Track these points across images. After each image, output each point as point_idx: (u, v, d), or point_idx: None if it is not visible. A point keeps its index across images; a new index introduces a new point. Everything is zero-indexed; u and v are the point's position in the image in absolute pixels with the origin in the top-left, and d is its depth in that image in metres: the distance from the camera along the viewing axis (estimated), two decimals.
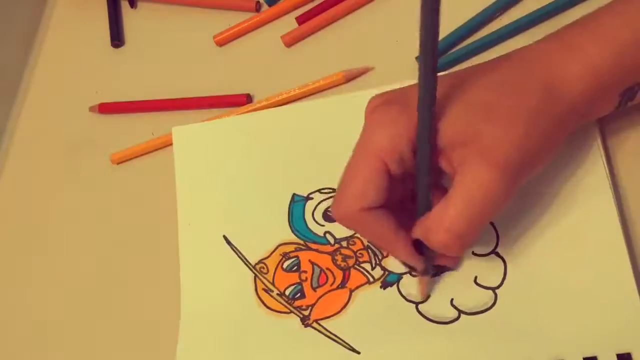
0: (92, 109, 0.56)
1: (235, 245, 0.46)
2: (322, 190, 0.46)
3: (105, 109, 0.55)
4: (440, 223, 0.36)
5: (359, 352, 0.41)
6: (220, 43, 0.55)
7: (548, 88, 0.37)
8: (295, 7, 0.54)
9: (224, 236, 0.47)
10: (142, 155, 0.53)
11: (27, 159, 0.56)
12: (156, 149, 0.53)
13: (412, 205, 0.38)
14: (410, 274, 0.43)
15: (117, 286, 0.49)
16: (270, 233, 0.46)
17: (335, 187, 0.44)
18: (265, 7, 0.56)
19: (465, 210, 0.35)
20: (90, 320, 0.49)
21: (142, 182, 0.52)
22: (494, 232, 0.42)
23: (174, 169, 0.50)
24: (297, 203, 0.46)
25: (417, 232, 0.38)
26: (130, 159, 0.53)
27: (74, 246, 0.52)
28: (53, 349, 0.49)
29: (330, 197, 0.46)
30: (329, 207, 0.46)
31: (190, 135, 0.51)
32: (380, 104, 0.37)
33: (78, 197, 0.53)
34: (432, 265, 0.41)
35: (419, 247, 0.39)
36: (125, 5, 0.59)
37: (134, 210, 0.51)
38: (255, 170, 0.48)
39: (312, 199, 0.46)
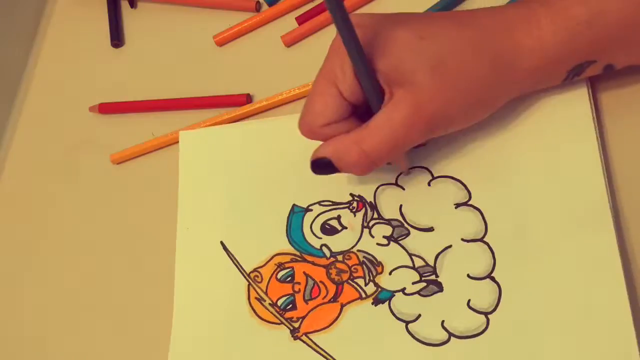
0: (92, 109, 0.56)
1: (232, 252, 0.46)
2: (322, 203, 0.46)
3: (105, 109, 0.55)
4: (357, 143, 0.39)
5: None
6: (220, 43, 0.55)
7: (499, 58, 0.38)
8: (295, 7, 0.54)
9: (221, 242, 0.47)
10: (142, 155, 0.53)
11: (27, 159, 0.56)
12: (156, 149, 0.53)
13: None
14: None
15: (116, 286, 0.49)
16: (267, 242, 0.46)
17: (336, 199, 0.45)
18: (265, 7, 0.55)
19: (384, 138, 0.39)
20: (88, 320, 0.49)
21: (142, 182, 0.52)
22: (492, 258, 0.41)
23: (178, 171, 0.50)
24: (296, 214, 0.46)
25: (328, 148, 0.41)
26: (130, 158, 0.53)
27: (73, 246, 0.52)
28: (52, 348, 0.49)
29: (330, 210, 0.46)
30: (327, 220, 0.45)
31: (197, 139, 0.51)
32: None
33: (78, 197, 0.53)
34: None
35: None
36: (125, 5, 0.59)
37: (133, 210, 0.52)
38: (258, 178, 0.48)
39: (311, 210, 0.46)
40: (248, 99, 0.52)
